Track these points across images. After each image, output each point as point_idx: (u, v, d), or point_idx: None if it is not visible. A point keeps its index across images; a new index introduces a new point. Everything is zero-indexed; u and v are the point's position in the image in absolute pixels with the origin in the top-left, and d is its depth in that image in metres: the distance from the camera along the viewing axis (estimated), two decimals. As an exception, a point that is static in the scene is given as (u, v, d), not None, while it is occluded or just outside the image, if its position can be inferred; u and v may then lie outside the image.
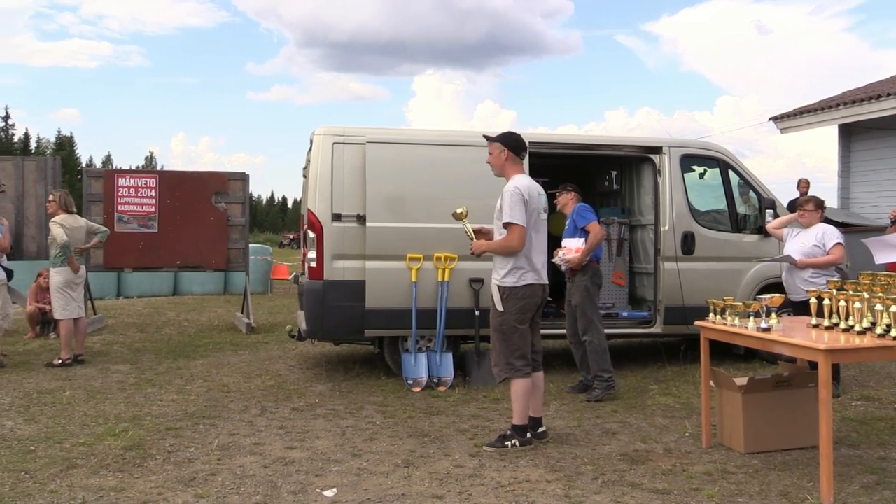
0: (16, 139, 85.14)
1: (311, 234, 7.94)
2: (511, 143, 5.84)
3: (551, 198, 7.85)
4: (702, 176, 9.19)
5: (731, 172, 9.09)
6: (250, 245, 13.43)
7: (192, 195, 12.08)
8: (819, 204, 7.45)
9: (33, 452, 5.47)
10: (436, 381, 7.78)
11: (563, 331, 7.80)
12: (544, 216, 5.82)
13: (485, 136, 6.06)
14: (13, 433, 5.99)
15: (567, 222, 7.60)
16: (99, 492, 4.66)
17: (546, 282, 5.77)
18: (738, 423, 5.50)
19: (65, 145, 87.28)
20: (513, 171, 5.79)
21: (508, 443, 5.56)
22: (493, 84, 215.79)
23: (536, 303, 5.70)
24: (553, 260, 7.27)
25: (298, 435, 5.99)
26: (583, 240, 7.30)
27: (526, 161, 8.15)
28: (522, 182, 5.68)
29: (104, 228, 9.65)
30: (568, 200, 7.69)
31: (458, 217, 6.05)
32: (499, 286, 5.65)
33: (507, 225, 5.56)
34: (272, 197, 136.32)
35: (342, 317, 7.86)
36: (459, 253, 7.81)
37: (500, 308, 5.64)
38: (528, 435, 5.64)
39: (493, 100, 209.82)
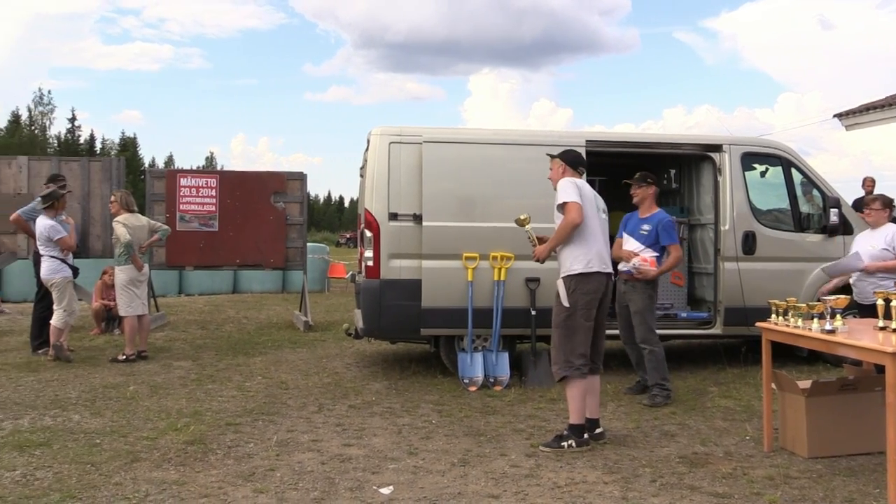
0: (81, 140, 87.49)
1: (368, 234, 8.00)
2: (569, 159, 6.03)
3: (620, 192, 7.73)
4: (763, 174, 9.02)
5: (793, 171, 8.89)
6: (308, 244, 13.57)
7: (251, 195, 12.26)
8: (887, 203, 7.23)
9: (99, 445, 5.62)
10: (492, 380, 7.77)
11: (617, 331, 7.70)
12: (605, 216, 5.89)
13: (548, 155, 6.17)
14: (80, 426, 6.16)
15: (647, 228, 7.24)
16: (162, 485, 4.77)
17: (611, 271, 5.83)
18: (801, 427, 5.38)
19: (128, 146, 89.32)
20: None
21: (565, 443, 5.52)
22: (548, 82, 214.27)
23: (599, 297, 5.70)
24: (625, 266, 7.18)
25: (355, 432, 6.04)
26: (657, 254, 7.15)
27: (584, 156, 8.14)
28: (576, 179, 5.84)
29: (165, 227, 9.85)
30: (647, 195, 7.39)
31: (520, 223, 6.11)
32: (565, 276, 5.68)
33: (562, 206, 5.66)
34: (329, 196, 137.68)
35: (398, 315, 7.90)
36: (516, 252, 7.79)
37: (566, 303, 5.64)
38: (585, 436, 5.60)
39: (549, 98, 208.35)
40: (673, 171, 9.78)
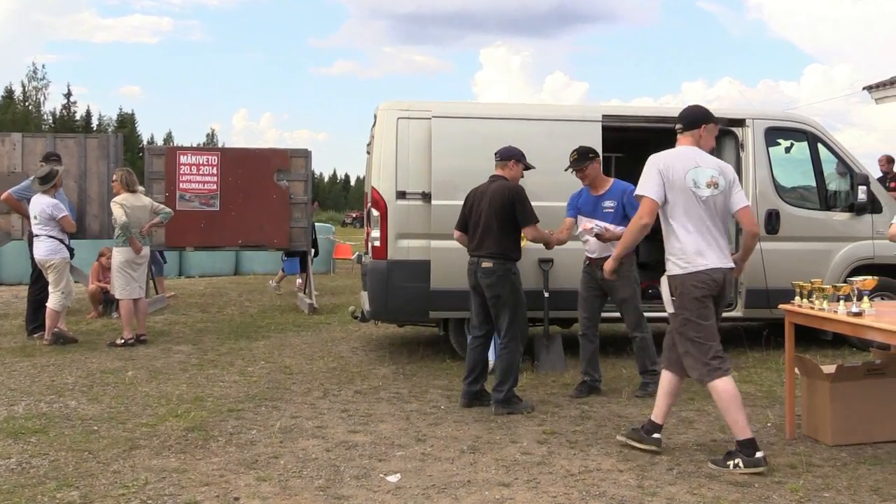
0: (77, 117, 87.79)
1: (375, 213, 8.00)
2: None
3: (640, 170, 7.59)
4: (788, 150, 8.96)
5: (820, 146, 8.83)
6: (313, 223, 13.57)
7: (253, 173, 12.24)
8: None
9: (96, 432, 5.66)
10: (503, 365, 7.77)
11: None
12: (707, 192, 5.00)
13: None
14: (76, 413, 6.21)
15: (610, 204, 6.84)
16: (161, 473, 4.80)
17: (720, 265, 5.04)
18: (825, 414, 5.37)
19: (126, 123, 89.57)
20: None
21: (731, 462, 4.86)
22: (563, 55, 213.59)
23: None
24: (591, 251, 6.90)
25: (361, 418, 6.07)
26: (622, 228, 6.67)
27: (599, 134, 8.10)
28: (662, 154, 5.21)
29: (167, 209, 9.84)
30: (598, 171, 6.96)
31: None
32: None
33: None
34: (335, 174, 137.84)
35: (406, 297, 7.91)
36: (528, 232, 7.77)
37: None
38: (759, 454, 4.84)
39: (564, 71, 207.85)
40: (693, 147, 9.72)
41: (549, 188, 7.63)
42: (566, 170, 6.97)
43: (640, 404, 6.50)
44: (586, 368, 6.97)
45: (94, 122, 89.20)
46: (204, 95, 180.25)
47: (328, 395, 6.83)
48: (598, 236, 6.77)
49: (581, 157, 6.91)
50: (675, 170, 5.01)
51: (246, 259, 19.00)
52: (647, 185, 5.07)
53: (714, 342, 4.94)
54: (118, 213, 9.04)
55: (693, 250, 4.96)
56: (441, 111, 8.07)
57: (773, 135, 8.74)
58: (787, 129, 8.84)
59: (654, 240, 10.46)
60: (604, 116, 8.26)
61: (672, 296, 5.08)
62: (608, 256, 6.67)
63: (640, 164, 7.55)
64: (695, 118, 5.21)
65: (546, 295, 7.88)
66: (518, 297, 6.41)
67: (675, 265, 5.04)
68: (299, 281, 14.38)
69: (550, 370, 7.74)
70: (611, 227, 6.79)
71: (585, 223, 6.88)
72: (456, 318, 8.16)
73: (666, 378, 5.28)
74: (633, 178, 7.24)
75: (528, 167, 6.60)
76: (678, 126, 5.25)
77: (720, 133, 8.83)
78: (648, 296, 8.85)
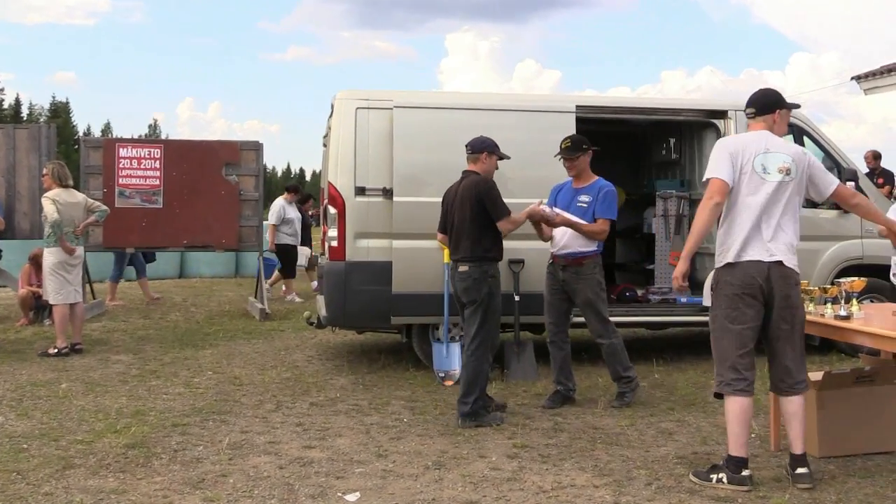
0: (6, 105, 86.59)
1: (332, 210, 7.97)
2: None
3: (615, 166, 7.69)
4: (773, 144, 9.05)
5: (806, 140, 8.94)
6: (264, 222, 13.50)
7: (200, 167, 12.15)
8: None
9: (26, 451, 5.58)
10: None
11: (648, 318, 7.62)
12: (777, 177, 4.94)
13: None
14: (4, 429, 6.11)
15: (586, 199, 6.83)
16: (98, 494, 4.74)
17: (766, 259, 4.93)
18: (812, 424, 5.42)
19: (60, 112, 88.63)
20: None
21: (714, 476, 4.90)
22: (535, 41, 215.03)
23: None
24: (556, 248, 6.86)
25: (318, 433, 6.04)
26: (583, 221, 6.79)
27: (573, 126, 8.13)
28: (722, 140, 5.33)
29: (103, 207, 9.72)
30: (586, 164, 6.94)
31: None
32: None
33: None
34: (288, 168, 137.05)
35: (366, 302, 7.89)
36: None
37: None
38: (745, 472, 4.87)
39: (535, 59, 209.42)
40: (672, 141, 9.81)
41: (520, 183, 7.65)
42: (556, 156, 6.97)
43: (617, 415, 6.53)
44: (559, 377, 6.98)
45: (25, 112, 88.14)
46: (146, 83, 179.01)
47: (281, 408, 6.79)
48: (548, 219, 6.74)
49: (574, 147, 6.91)
50: (744, 154, 5.00)
51: (192, 260, 18.81)
52: (717, 167, 5.05)
53: (741, 350, 4.87)
54: (49, 210, 8.91)
55: (736, 243, 4.98)
56: (403, 101, 8.05)
57: (757, 127, 8.81)
58: (771, 122, 8.91)
59: (631, 238, 10.63)
60: (577, 107, 8.29)
61: (712, 290, 5.08)
62: (570, 254, 6.82)
63: (616, 159, 7.63)
64: (769, 103, 5.17)
65: (516, 298, 7.88)
66: (493, 302, 6.41)
67: (717, 257, 5.10)
68: (282, 287, 14.70)
69: (521, 379, 7.75)
70: (564, 213, 6.78)
71: (537, 202, 6.78)
72: (419, 323, 8.15)
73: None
74: (607, 173, 7.31)
75: (501, 157, 6.61)
76: (749, 111, 5.22)
77: (702, 125, 8.99)
78: (625, 298, 8.93)
